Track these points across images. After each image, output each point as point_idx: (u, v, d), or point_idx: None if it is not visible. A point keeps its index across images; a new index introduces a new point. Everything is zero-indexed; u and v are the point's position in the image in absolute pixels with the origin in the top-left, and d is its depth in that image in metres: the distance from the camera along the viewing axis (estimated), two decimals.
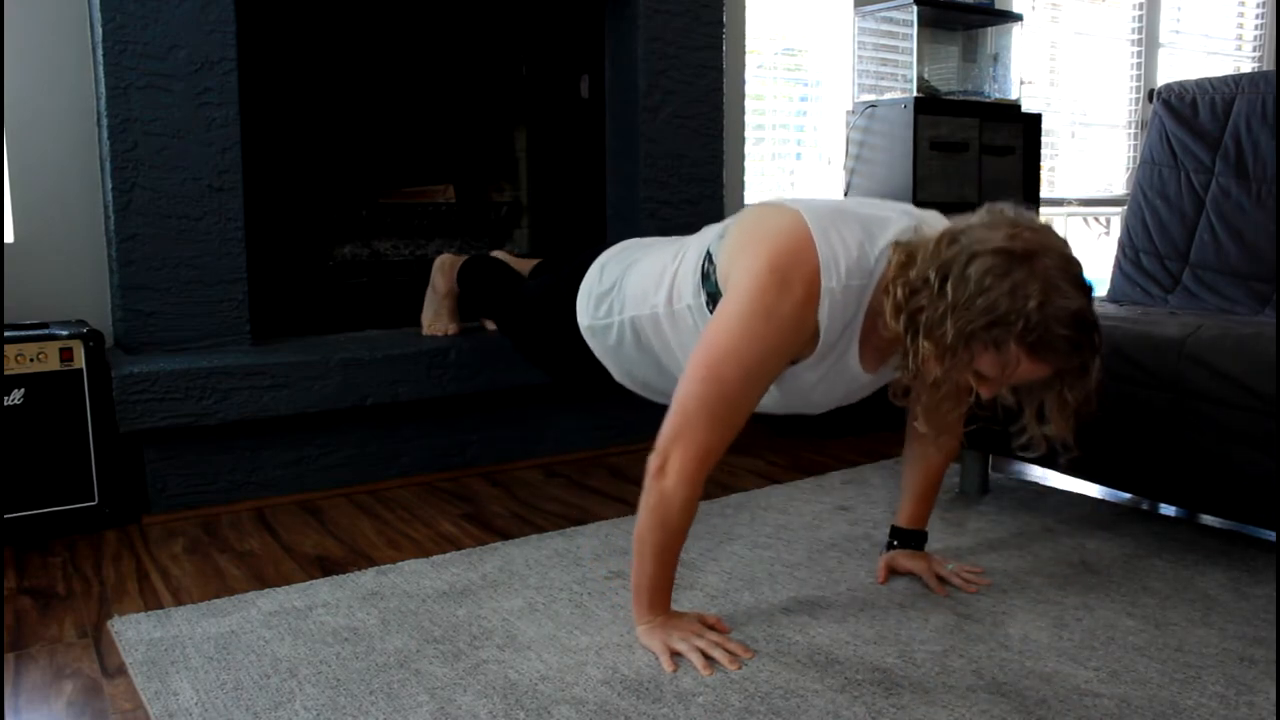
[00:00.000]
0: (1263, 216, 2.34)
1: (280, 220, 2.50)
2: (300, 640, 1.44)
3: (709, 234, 1.48)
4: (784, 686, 1.30)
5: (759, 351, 1.29)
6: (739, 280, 1.31)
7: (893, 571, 1.67)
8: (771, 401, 1.47)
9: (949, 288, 1.15)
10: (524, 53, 2.86)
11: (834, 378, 1.40)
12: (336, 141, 2.61)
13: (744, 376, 1.30)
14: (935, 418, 1.31)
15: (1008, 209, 1.23)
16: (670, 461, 1.32)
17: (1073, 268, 1.17)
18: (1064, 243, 1.19)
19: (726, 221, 1.45)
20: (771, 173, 3.66)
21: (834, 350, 1.34)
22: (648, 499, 1.35)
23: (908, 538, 1.68)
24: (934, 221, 1.34)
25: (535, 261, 2.29)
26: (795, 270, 1.27)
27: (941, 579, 1.63)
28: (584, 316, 1.67)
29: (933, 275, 1.17)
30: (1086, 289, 1.16)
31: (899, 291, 1.20)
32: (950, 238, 1.19)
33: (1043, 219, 1.33)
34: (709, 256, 1.43)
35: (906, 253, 1.23)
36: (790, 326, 1.29)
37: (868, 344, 1.35)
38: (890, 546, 1.69)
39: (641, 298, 1.56)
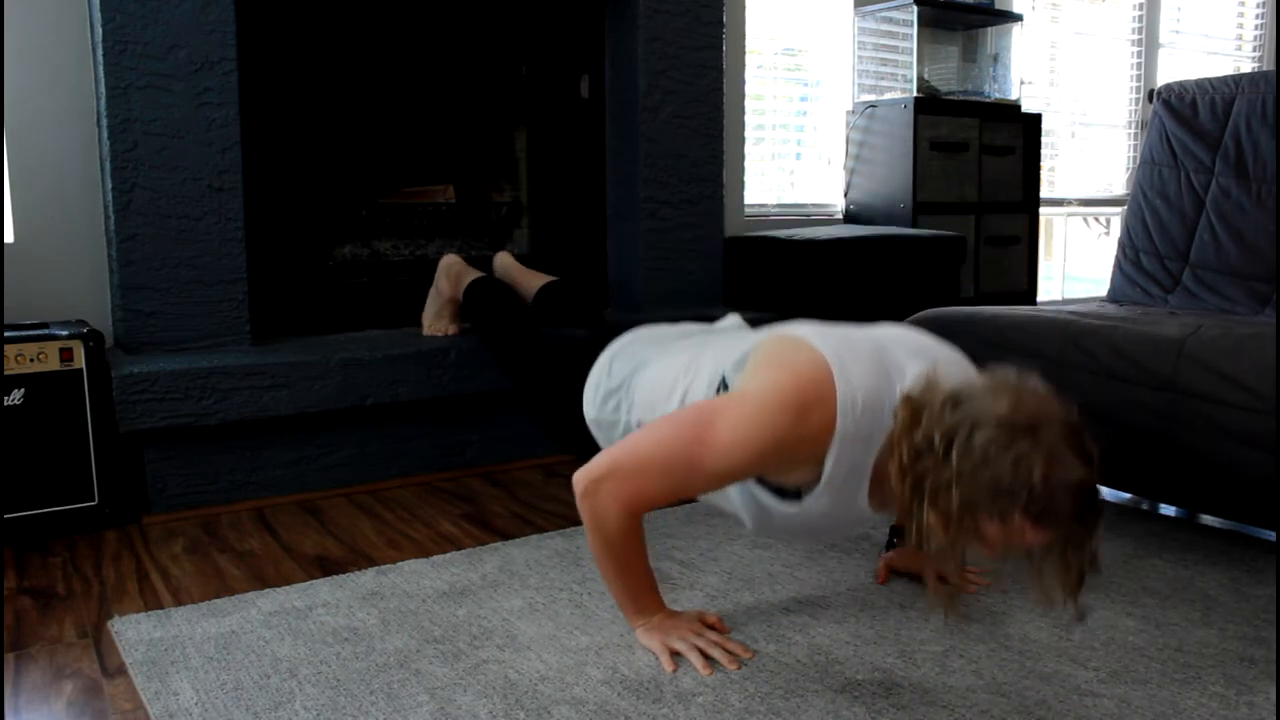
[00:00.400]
0: (1263, 216, 2.34)
1: (280, 220, 2.50)
2: (300, 640, 1.44)
3: (725, 356, 1.45)
4: (784, 686, 1.30)
5: (746, 458, 1.29)
6: (759, 389, 1.30)
7: (893, 571, 1.67)
8: (771, 530, 1.47)
9: (954, 456, 1.15)
10: (524, 53, 2.86)
11: (841, 514, 1.40)
12: (337, 141, 2.61)
13: (718, 470, 1.30)
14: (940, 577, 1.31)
15: (1010, 375, 1.23)
16: (602, 487, 1.32)
17: (1075, 437, 1.17)
18: (1067, 410, 1.19)
19: (743, 348, 1.42)
20: (771, 173, 3.66)
21: (841, 491, 1.34)
22: (584, 519, 1.35)
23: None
24: (947, 363, 1.33)
25: (544, 280, 2.26)
26: (814, 408, 1.27)
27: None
28: (590, 409, 1.66)
29: (937, 440, 1.17)
30: (1089, 457, 1.16)
31: (904, 454, 1.20)
32: (954, 401, 1.19)
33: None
34: (724, 384, 1.42)
35: (912, 411, 1.22)
36: (787, 452, 1.30)
37: (875, 489, 1.35)
38: (890, 546, 1.69)
39: (650, 405, 1.54)
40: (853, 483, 1.32)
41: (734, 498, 1.48)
